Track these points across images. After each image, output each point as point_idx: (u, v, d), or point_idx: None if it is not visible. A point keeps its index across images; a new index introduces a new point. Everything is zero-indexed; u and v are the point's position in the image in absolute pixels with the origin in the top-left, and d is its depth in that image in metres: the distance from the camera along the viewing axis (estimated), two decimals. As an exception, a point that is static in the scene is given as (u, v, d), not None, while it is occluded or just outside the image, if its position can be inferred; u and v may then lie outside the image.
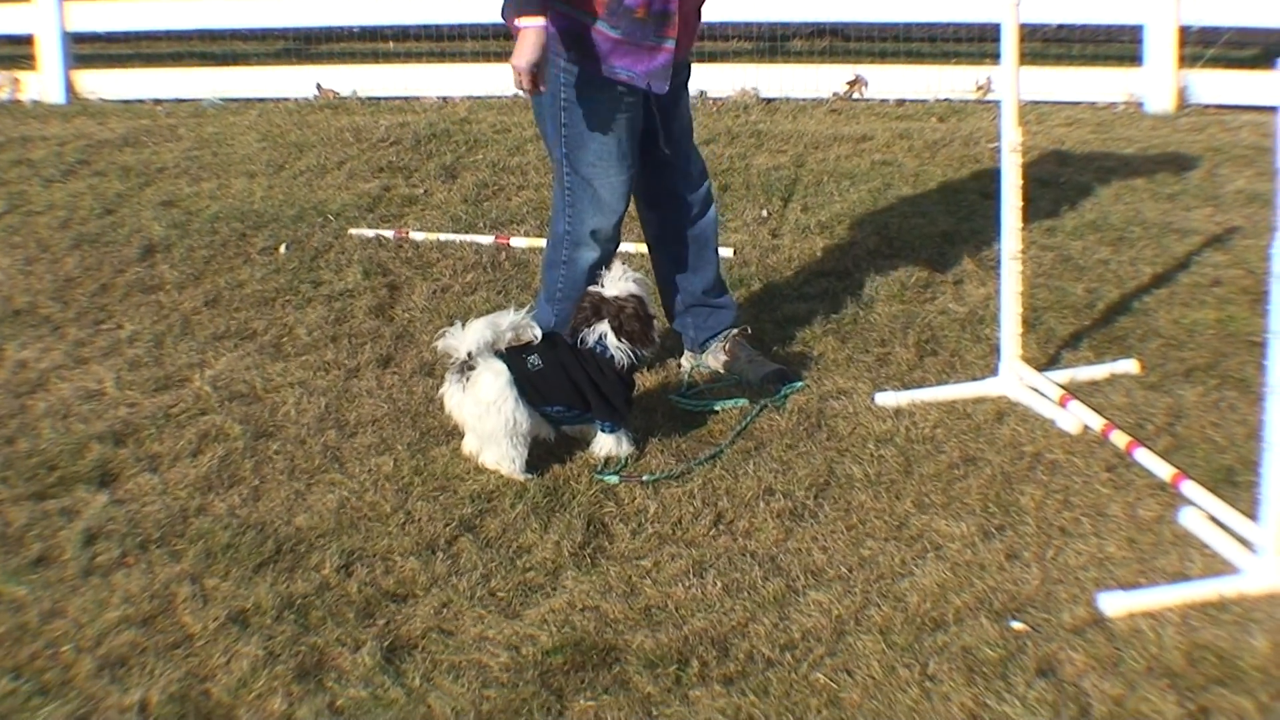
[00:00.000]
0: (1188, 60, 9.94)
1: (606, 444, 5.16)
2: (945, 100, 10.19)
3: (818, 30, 11.78)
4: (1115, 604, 4.18)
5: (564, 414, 5.15)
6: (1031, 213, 7.07)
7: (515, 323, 5.09)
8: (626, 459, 5.15)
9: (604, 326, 5.16)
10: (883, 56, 11.04)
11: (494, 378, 4.99)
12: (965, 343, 6.05)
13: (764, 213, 7.78)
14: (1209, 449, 5.10)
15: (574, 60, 5.26)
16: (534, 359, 5.08)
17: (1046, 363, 5.83)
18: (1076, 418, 5.27)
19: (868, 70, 10.50)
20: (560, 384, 5.10)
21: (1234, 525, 4.44)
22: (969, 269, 6.79)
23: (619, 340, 5.16)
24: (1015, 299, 5.53)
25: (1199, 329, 6.11)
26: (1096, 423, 5.18)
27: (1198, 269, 6.78)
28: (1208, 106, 9.79)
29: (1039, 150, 8.75)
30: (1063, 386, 5.48)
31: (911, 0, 10.48)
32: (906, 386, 5.65)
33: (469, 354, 5.00)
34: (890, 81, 10.36)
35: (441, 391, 5.19)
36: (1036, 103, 9.86)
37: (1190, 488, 4.67)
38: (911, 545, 4.57)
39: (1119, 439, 5.06)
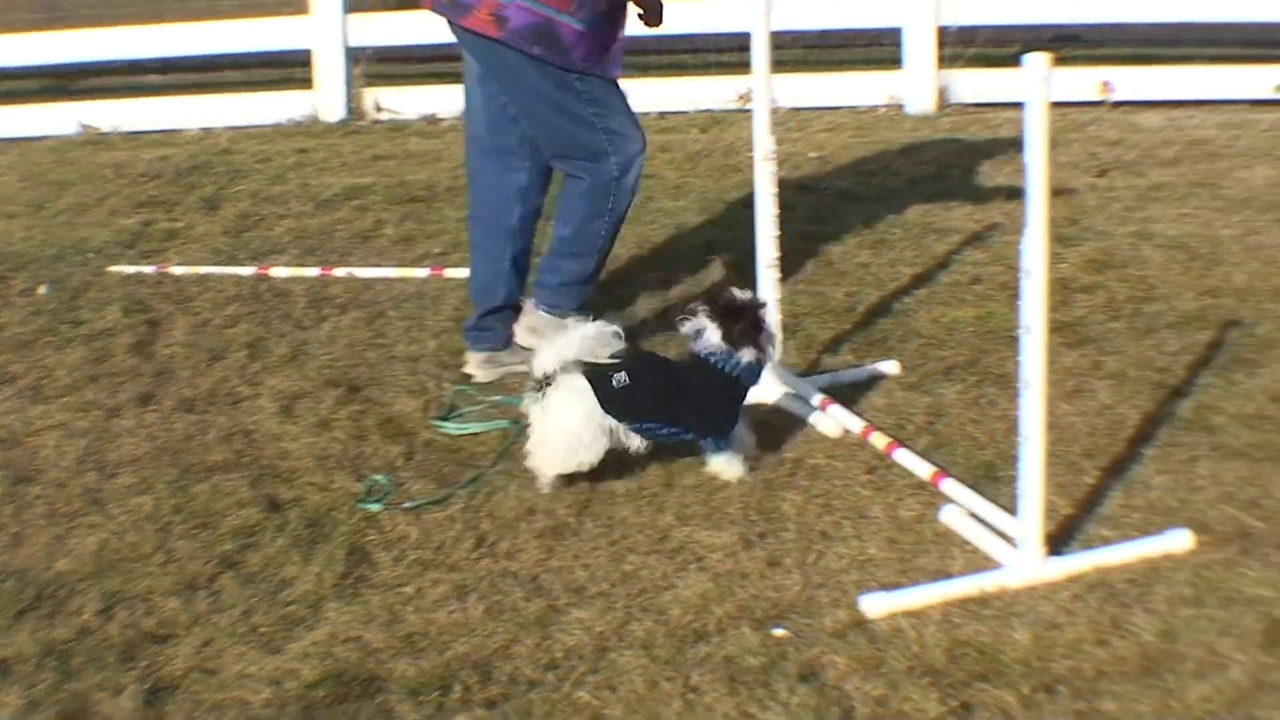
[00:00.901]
0: (947, 61, 10.20)
1: (715, 464, 5.12)
2: (707, 111, 10.35)
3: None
4: (877, 605, 4.29)
5: (657, 431, 5.06)
6: (792, 219, 7.22)
7: (601, 333, 4.99)
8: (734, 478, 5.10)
9: (711, 332, 5.09)
10: (644, 70, 11.16)
11: (572, 399, 4.94)
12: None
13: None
14: (969, 446, 5.27)
15: (541, 55, 5.58)
16: (620, 376, 4.97)
17: (808, 368, 5.97)
18: (837, 421, 5.40)
19: (629, 84, 10.58)
20: (651, 401, 5.01)
21: (994, 520, 4.58)
22: (730, 278, 6.92)
23: (727, 346, 5.09)
24: (773, 306, 5.65)
25: (959, 327, 6.30)
26: (856, 425, 5.32)
27: (957, 268, 6.99)
28: (969, 105, 10.07)
29: (800, 156, 8.93)
30: (824, 391, 5.60)
31: (671, 13, 10.57)
32: (668, 400, 5.73)
33: (546, 373, 4.94)
34: (652, 94, 10.48)
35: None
36: (799, 109, 10.05)
37: (950, 485, 4.82)
38: (674, 558, 4.64)
39: (878, 440, 5.20)
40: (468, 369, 6.16)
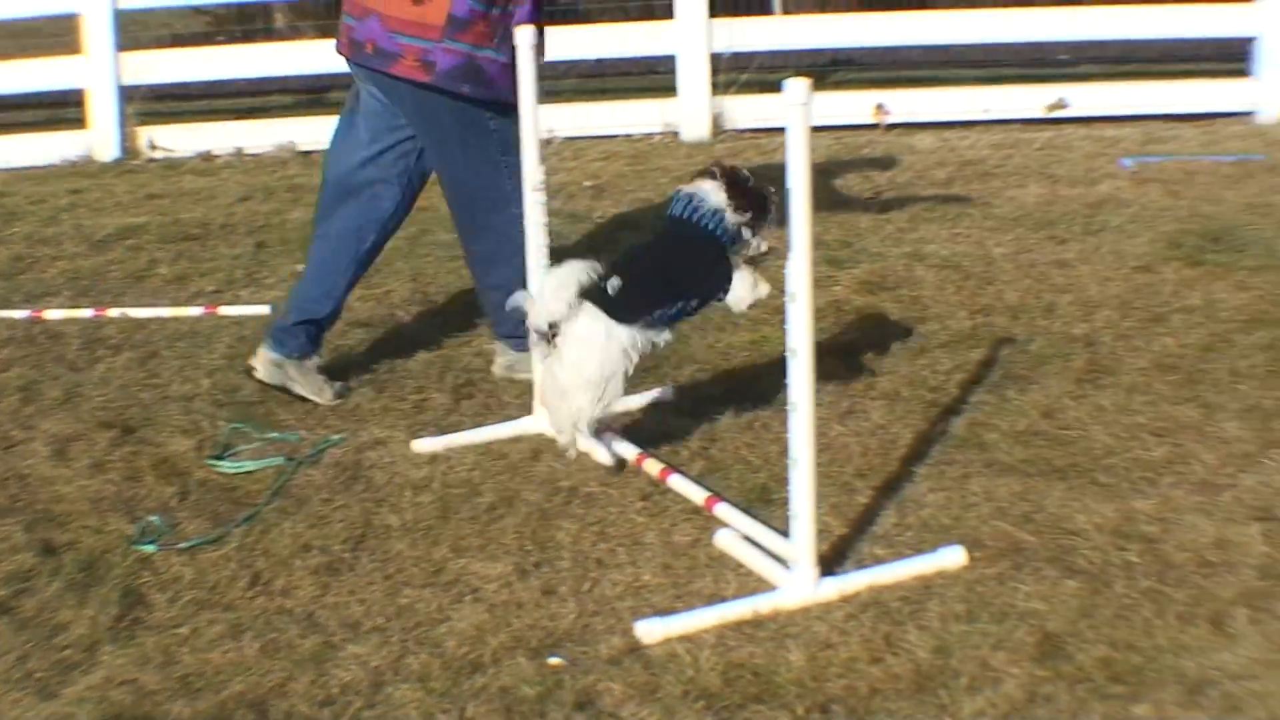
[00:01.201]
0: (721, 87, 10.31)
1: (734, 299, 5.21)
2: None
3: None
4: (652, 631, 4.31)
5: (669, 314, 5.11)
6: (565, 249, 7.26)
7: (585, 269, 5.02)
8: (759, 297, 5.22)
9: (706, 186, 5.13)
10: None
11: (591, 322, 4.97)
12: (501, 384, 6.17)
13: (300, 267, 7.79)
14: (743, 469, 5.32)
15: (470, 92, 5.79)
16: (612, 282, 4.99)
17: (584, 397, 5.99)
18: (612, 449, 5.42)
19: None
20: (649, 290, 5.06)
21: (767, 543, 4.63)
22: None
23: (721, 207, 5.13)
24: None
25: (733, 352, 6.37)
26: (631, 452, 5.35)
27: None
28: (744, 131, 10.18)
29: (575, 185, 8.97)
30: (599, 419, 5.62)
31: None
32: (443, 431, 5.73)
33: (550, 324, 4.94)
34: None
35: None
36: (575, 139, 10.10)
37: (724, 509, 4.86)
38: (449, 590, 4.63)
39: (652, 467, 5.23)
40: (254, 362, 6.19)
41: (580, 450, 5.44)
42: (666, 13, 10.43)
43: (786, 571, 4.50)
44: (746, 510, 4.87)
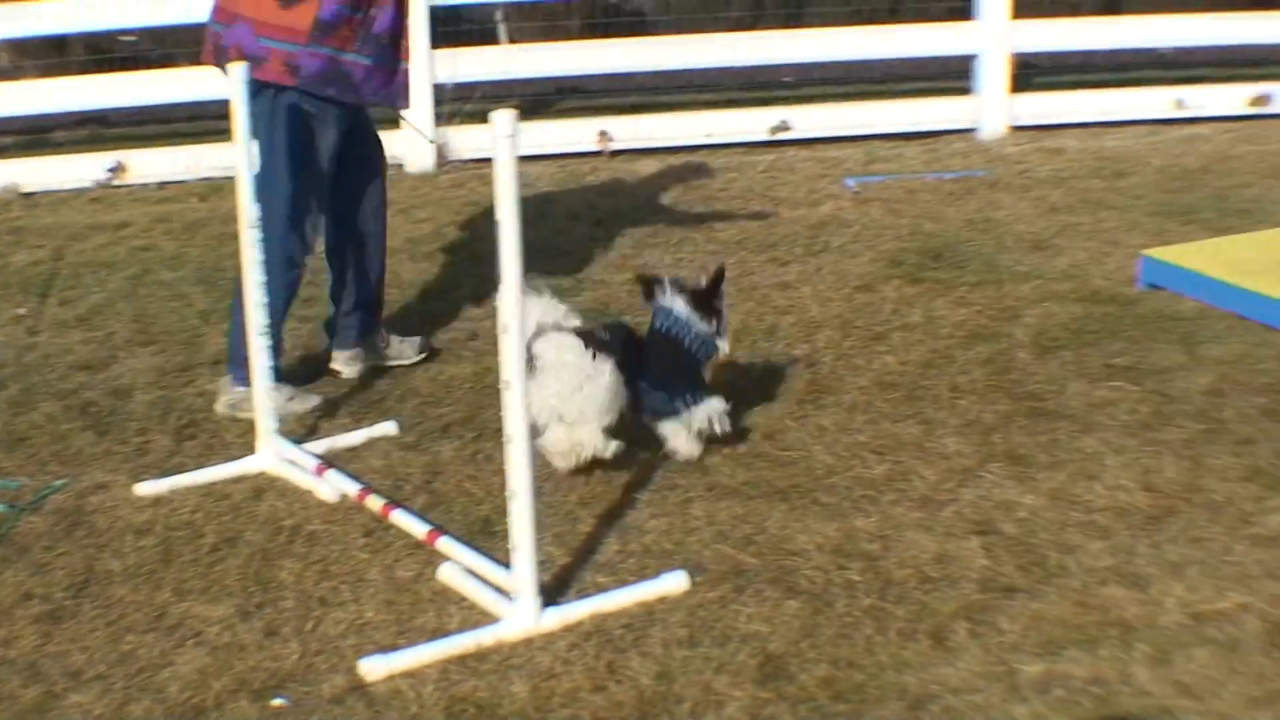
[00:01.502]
0: (445, 118, 10.32)
1: (667, 431, 5.54)
2: (206, 179, 10.25)
3: (81, 119, 11.66)
4: (375, 668, 4.33)
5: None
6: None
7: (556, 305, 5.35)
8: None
9: (680, 306, 5.56)
10: (145, 140, 11.01)
11: (566, 342, 5.21)
12: (225, 423, 6.13)
13: (21, 311, 7.67)
14: (466, 502, 5.36)
15: (336, 95, 6.02)
16: (601, 333, 5.34)
17: (306, 434, 5.98)
18: (334, 486, 5.42)
19: (129, 155, 10.45)
20: (625, 359, 5.34)
21: (490, 575, 4.67)
22: (224, 347, 6.87)
23: (689, 319, 5.56)
24: (267, 373, 5.66)
25: (456, 384, 6.40)
26: (353, 489, 5.35)
27: (457, 325, 7.10)
28: (468, 162, 10.20)
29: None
30: (322, 456, 5.62)
31: (171, 84, 10.45)
32: (166, 474, 5.69)
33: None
34: (151, 164, 10.33)
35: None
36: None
37: (446, 543, 4.88)
38: (171, 634, 4.60)
39: (375, 502, 5.23)
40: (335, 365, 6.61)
41: (304, 487, 5.44)
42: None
43: (509, 603, 4.55)
44: (469, 543, 4.90)
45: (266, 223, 5.82)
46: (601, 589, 4.73)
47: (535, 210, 8.59)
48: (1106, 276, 7.67)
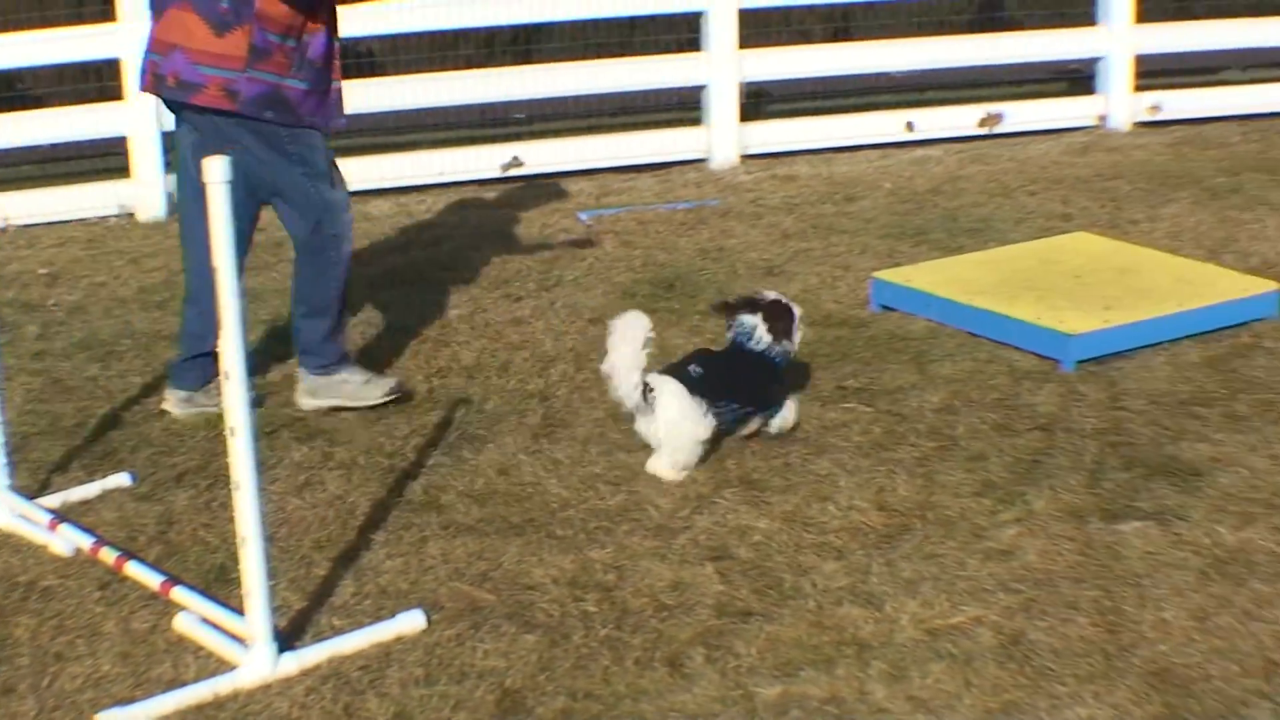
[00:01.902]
0: (171, 166, 10.24)
1: (785, 418, 6.26)
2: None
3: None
4: (112, 722, 4.36)
5: (729, 407, 6.02)
6: (19, 338, 7.26)
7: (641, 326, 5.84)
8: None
9: (756, 322, 6.20)
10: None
11: (675, 396, 5.84)
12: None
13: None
14: (201, 550, 5.39)
15: (274, 118, 6.21)
16: (693, 368, 6.00)
17: (39, 488, 5.95)
18: (68, 540, 5.41)
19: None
20: (722, 385, 5.99)
21: (226, 622, 4.71)
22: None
23: (770, 339, 6.22)
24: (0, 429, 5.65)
25: (189, 432, 6.41)
26: (87, 542, 5.35)
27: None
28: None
29: (30, 274, 8.85)
30: (55, 510, 5.61)
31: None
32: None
33: (640, 380, 5.83)
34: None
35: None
36: (30, 225, 9.93)
37: (181, 592, 4.90)
38: (-98, 697, 4.59)
39: (109, 555, 5.23)
40: (165, 406, 6.67)
41: (38, 542, 5.44)
42: (118, 94, 10.32)
43: (245, 650, 4.59)
44: (205, 592, 4.93)
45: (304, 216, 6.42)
46: (338, 632, 4.79)
47: (273, 255, 8.62)
48: (838, 300, 7.87)
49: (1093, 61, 12.09)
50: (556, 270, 8.49)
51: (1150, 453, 6.01)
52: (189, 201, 6.52)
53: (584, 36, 11.76)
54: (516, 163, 10.52)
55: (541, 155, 10.75)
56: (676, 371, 5.98)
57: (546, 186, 10.29)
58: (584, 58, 11.52)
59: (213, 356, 6.30)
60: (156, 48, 6.30)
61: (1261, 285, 7.64)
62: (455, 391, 6.76)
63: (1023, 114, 11.92)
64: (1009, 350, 7.06)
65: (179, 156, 6.58)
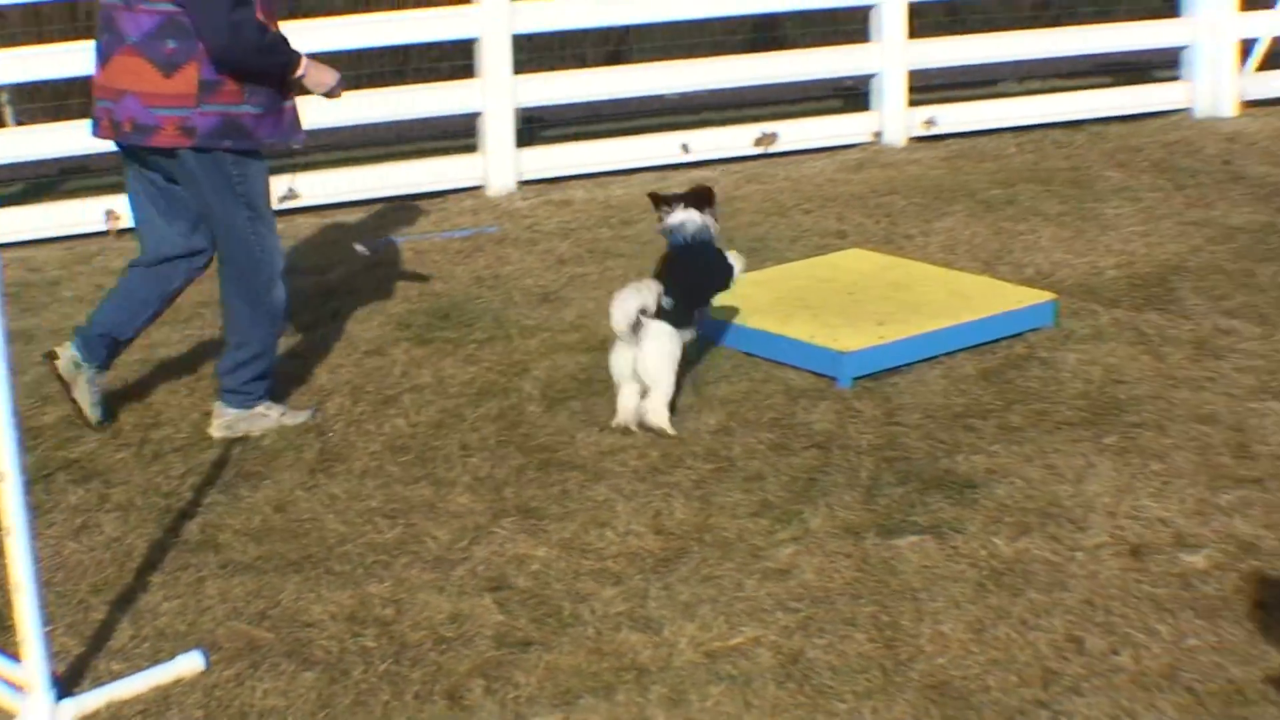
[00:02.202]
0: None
1: (739, 269, 7.14)
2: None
3: None
4: (-114, 775, 4.34)
5: (706, 310, 7.05)
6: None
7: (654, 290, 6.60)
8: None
9: (692, 216, 6.94)
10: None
11: (658, 338, 6.58)
12: None
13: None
14: (-28, 599, 5.35)
15: (233, 146, 6.42)
16: (666, 300, 6.59)
17: None
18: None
19: None
20: (690, 298, 6.77)
21: (2, 670, 4.70)
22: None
23: (703, 221, 6.96)
24: None
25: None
26: None
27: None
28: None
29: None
30: None
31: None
32: None
33: (636, 315, 6.51)
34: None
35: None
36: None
37: (-45, 641, 4.89)
38: None
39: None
40: (58, 350, 6.79)
41: None
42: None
43: (23, 698, 4.60)
44: (-19, 638, 4.91)
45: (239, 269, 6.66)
46: (117, 676, 4.80)
47: (46, 294, 8.57)
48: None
49: (867, 78, 12.31)
50: (334, 302, 8.51)
51: (926, 467, 6.17)
52: (150, 248, 6.83)
53: (358, 66, 11.75)
54: (292, 195, 10.48)
55: (317, 187, 10.72)
56: (658, 311, 6.60)
57: (322, 218, 10.29)
58: (358, 87, 11.51)
59: (123, 345, 6.93)
60: (106, 95, 6.49)
61: (1035, 296, 7.87)
62: (232, 428, 6.77)
63: (798, 132, 12.12)
64: (785, 369, 7.21)
65: (131, 197, 6.86)
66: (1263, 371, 7.07)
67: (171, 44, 6.29)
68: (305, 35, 10.68)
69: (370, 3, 12.92)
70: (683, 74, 12.05)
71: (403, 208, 10.64)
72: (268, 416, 6.74)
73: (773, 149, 11.88)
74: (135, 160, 6.63)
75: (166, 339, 7.94)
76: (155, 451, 6.55)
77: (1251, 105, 13.01)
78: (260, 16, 6.35)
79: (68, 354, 6.72)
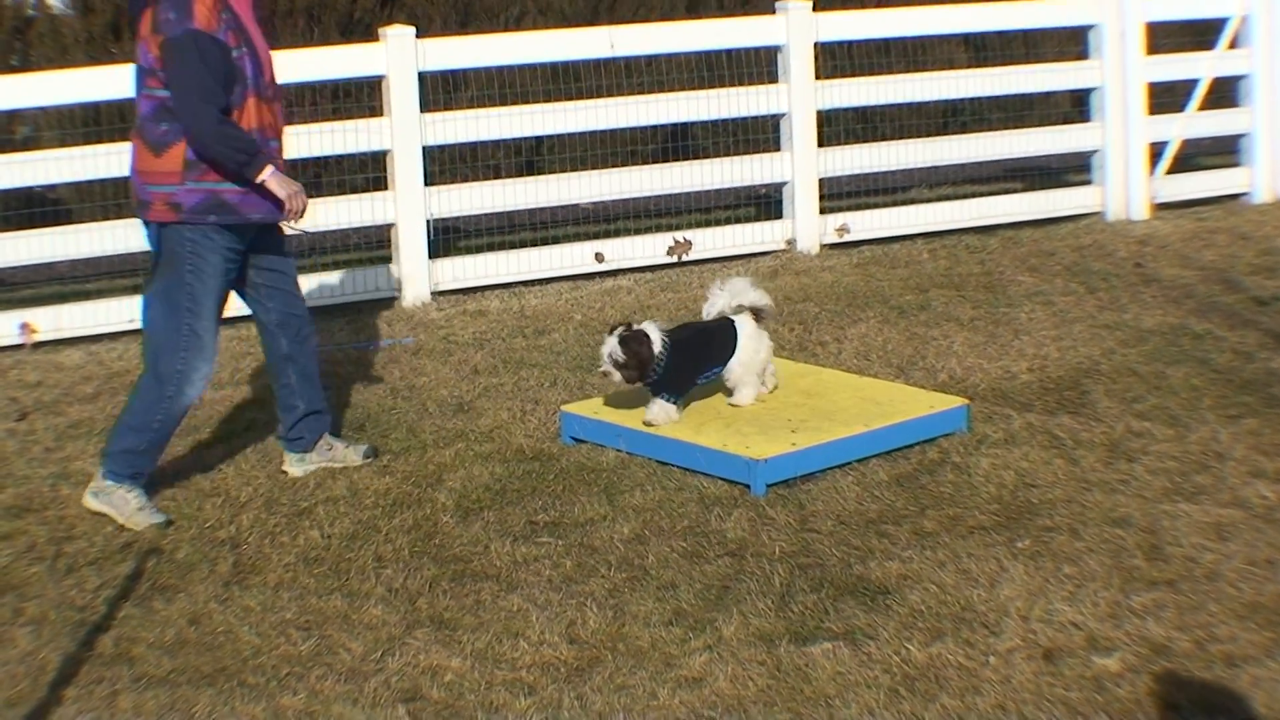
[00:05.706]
0: None
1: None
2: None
3: None
4: None
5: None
6: None
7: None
8: None
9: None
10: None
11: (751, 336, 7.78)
12: None
13: None
14: None
15: (215, 222, 6.94)
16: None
17: None
18: None
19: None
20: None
21: None
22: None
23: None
24: None
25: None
26: None
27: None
28: None
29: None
30: None
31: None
32: None
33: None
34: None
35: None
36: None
37: None
38: None
39: None
40: (285, 467, 7.57)
41: None
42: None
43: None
44: None
45: (168, 344, 6.98)
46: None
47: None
48: (529, 434, 8.05)
49: (779, 186, 12.47)
50: (248, 414, 8.56)
51: (839, 573, 6.25)
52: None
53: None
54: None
55: (232, 298, 10.73)
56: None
57: (237, 330, 10.30)
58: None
59: (311, 417, 7.56)
60: (130, 172, 7.08)
61: (948, 401, 7.98)
62: (146, 542, 6.82)
63: (713, 240, 12.29)
64: (699, 477, 7.29)
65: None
66: (1175, 473, 7.18)
67: (164, 126, 6.88)
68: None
69: (288, 116, 12.95)
70: (595, 183, 12.13)
71: (319, 319, 10.64)
72: (127, 502, 7.01)
73: (688, 257, 11.99)
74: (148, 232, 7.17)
75: (82, 451, 7.97)
76: (69, 565, 6.59)
77: (1163, 208, 13.25)
78: (251, 101, 6.94)
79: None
